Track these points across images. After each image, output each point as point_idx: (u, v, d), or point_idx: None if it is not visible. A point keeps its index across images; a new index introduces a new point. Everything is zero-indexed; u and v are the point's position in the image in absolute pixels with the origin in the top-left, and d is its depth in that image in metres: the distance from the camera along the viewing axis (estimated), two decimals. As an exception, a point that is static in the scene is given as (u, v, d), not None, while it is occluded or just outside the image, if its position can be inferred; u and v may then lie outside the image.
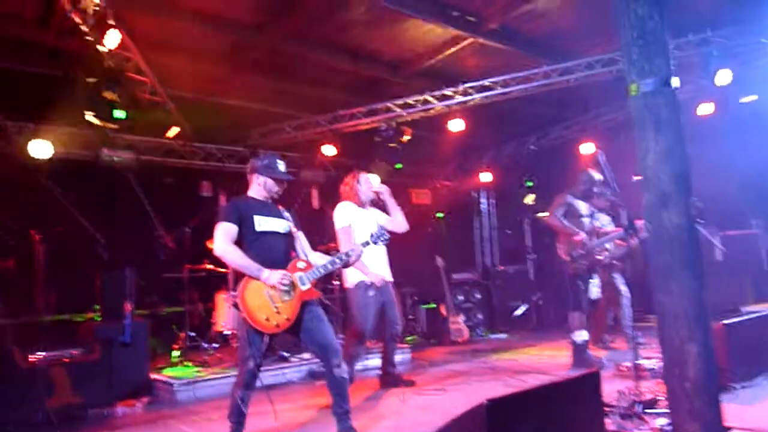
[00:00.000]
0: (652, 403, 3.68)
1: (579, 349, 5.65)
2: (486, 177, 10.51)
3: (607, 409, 3.45)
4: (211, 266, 6.89)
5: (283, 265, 3.52)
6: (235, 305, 3.40)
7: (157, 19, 5.95)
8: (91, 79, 5.83)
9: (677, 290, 2.85)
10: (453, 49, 7.10)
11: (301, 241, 3.81)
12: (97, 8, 5.01)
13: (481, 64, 7.54)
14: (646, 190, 2.98)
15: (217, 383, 5.45)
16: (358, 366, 5.40)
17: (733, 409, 3.48)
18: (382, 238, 4.00)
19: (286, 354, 6.15)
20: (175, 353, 6.53)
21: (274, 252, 3.56)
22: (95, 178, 7.21)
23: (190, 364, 6.19)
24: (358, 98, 7.95)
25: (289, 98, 8.05)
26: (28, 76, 6.37)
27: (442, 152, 9.68)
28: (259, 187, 3.72)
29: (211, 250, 3.51)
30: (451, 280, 8.81)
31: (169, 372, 5.81)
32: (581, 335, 5.63)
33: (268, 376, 5.42)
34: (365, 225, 5.09)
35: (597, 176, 5.83)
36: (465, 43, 6.94)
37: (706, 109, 7.57)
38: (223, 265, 5.72)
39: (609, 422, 3.41)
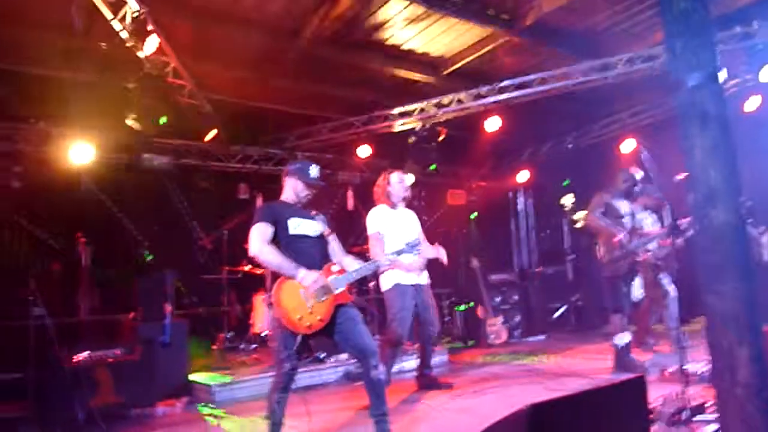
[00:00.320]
0: (700, 409, 3.53)
1: (621, 353, 5.49)
2: (523, 176, 10.34)
3: (652, 416, 3.33)
4: (248, 268, 6.97)
5: (318, 268, 3.51)
6: (270, 305, 3.41)
7: (194, 25, 6.06)
8: (131, 84, 5.97)
9: (726, 291, 2.74)
10: (488, 48, 7.02)
11: (334, 245, 3.80)
12: (137, 15, 5.12)
13: (517, 62, 7.45)
14: (692, 188, 2.86)
15: (255, 384, 5.47)
16: (394, 368, 5.35)
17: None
18: (416, 249, 3.96)
19: (321, 355, 6.16)
20: (213, 355, 6.61)
21: (308, 255, 3.55)
22: (135, 181, 7.36)
23: (227, 365, 6.25)
24: (393, 99, 7.93)
25: (323, 100, 8.09)
26: (71, 83, 6.52)
27: (478, 152, 9.56)
28: (291, 191, 3.75)
29: (248, 252, 3.52)
30: (488, 281, 8.70)
31: (205, 373, 5.88)
32: (623, 338, 5.47)
33: (304, 377, 5.43)
34: (397, 230, 5.05)
35: (638, 174, 5.66)
36: (501, 41, 6.86)
37: (753, 103, 7.32)
38: (261, 266, 5.76)
39: (655, 429, 3.30)
